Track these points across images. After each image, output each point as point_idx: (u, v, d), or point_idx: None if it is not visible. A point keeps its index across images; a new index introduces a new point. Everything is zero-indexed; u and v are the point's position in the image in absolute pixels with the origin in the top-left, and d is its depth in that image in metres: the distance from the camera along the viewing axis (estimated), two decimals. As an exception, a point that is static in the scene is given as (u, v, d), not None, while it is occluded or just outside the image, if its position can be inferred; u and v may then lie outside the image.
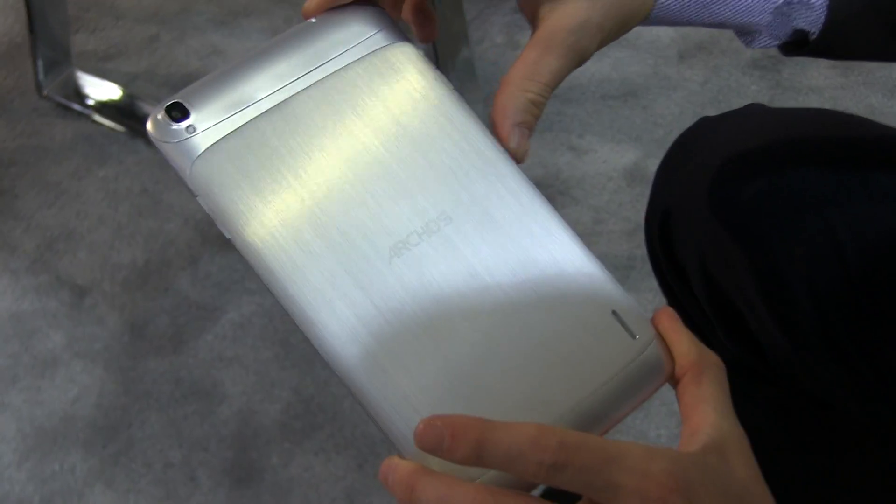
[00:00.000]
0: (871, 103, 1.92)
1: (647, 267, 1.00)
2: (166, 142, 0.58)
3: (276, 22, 2.22)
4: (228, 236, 0.57)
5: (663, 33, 2.09)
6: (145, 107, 2.03)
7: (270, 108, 0.59)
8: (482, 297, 0.56)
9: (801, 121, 0.90)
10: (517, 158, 0.61)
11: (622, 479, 0.48)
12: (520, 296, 0.56)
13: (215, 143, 0.57)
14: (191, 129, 0.58)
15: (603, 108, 1.96)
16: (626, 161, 1.86)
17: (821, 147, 0.86)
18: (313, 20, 0.63)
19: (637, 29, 0.69)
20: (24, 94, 2.10)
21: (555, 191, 1.81)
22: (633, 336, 0.57)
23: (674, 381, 0.57)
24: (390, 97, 0.60)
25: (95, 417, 1.55)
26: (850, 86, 1.96)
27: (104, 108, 2.04)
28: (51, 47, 2.07)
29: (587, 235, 1.69)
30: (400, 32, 0.63)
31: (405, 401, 0.54)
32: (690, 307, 0.95)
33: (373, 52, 0.61)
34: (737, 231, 0.85)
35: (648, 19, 0.68)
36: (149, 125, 0.58)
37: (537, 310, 0.56)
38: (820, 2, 0.69)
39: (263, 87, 0.59)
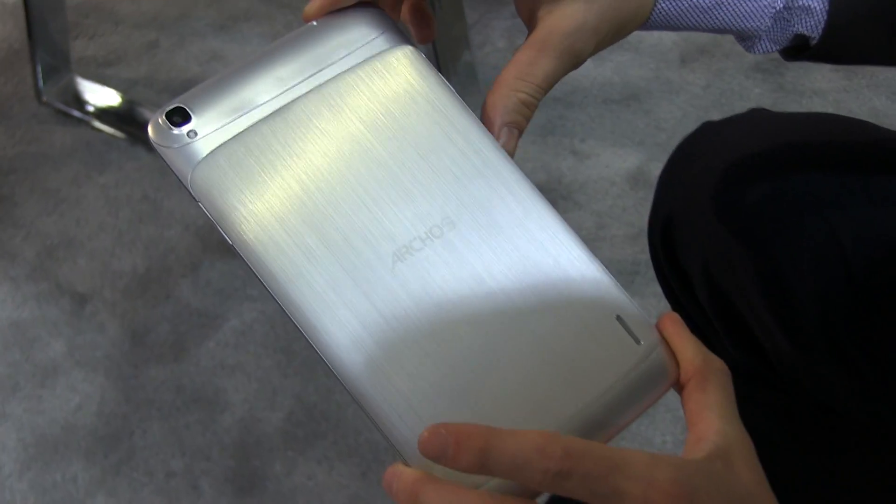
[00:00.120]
0: (874, 106, 1.92)
1: (652, 272, 1.01)
2: (167, 147, 0.58)
3: (277, 27, 2.22)
4: (230, 242, 0.56)
5: (665, 37, 2.10)
6: (145, 113, 2.03)
7: (272, 113, 0.58)
8: (485, 302, 0.56)
9: (804, 125, 0.90)
10: None
11: (627, 487, 0.48)
12: (523, 301, 0.56)
13: (217, 148, 0.57)
14: (192, 134, 0.58)
15: (605, 112, 1.96)
16: (628, 165, 1.86)
17: (823, 151, 0.86)
18: (314, 23, 0.62)
19: (638, 32, 0.69)
20: (24, 100, 2.10)
21: (557, 195, 1.81)
22: (638, 341, 0.57)
23: (678, 386, 0.57)
24: (393, 101, 0.60)
25: (97, 426, 1.55)
26: (853, 89, 1.96)
27: (104, 114, 2.04)
28: (50, 53, 2.07)
29: (590, 240, 1.69)
30: (402, 35, 0.63)
31: (409, 407, 0.53)
32: (694, 312, 0.95)
33: (375, 55, 0.61)
34: (741, 235, 0.85)
35: (647, 25, 0.68)
36: (149, 130, 0.58)
37: (541, 315, 0.56)
38: (820, 6, 0.69)
39: (265, 92, 0.59)
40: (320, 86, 0.60)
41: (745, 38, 0.72)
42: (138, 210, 1.86)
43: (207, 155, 0.57)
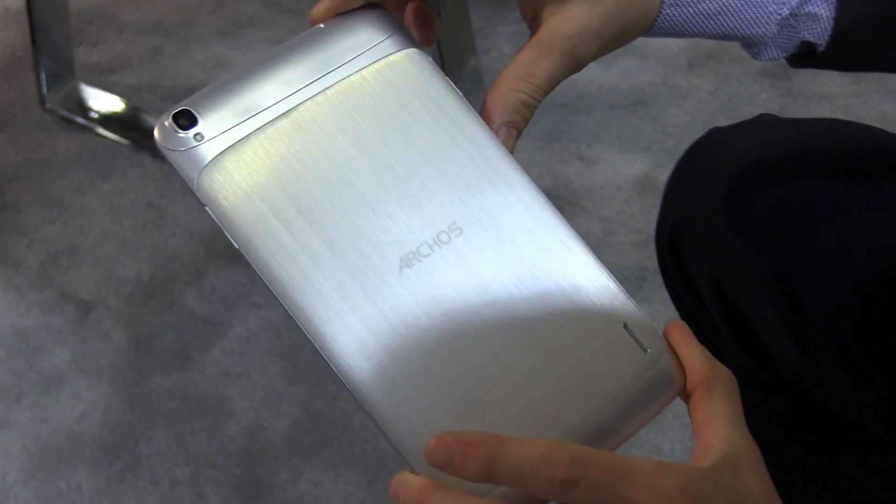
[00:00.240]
0: (883, 111, 1.92)
1: (659, 278, 1.00)
2: (173, 150, 0.57)
3: (281, 32, 2.22)
4: (237, 247, 0.56)
5: (672, 41, 2.10)
6: (149, 119, 2.03)
7: (279, 116, 0.58)
8: (493, 309, 0.56)
9: (813, 131, 0.90)
10: None
11: (635, 495, 0.48)
12: (530, 308, 0.56)
13: (223, 151, 0.57)
14: (199, 137, 0.57)
15: (612, 118, 1.97)
16: (635, 171, 1.86)
17: (832, 157, 0.86)
18: (322, 26, 0.62)
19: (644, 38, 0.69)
20: (27, 107, 2.10)
21: (564, 201, 1.81)
22: (645, 350, 0.57)
23: (685, 395, 0.57)
24: (400, 105, 0.59)
25: (101, 434, 1.55)
26: (862, 93, 1.96)
27: (108, 121, 2.04)
28: (54, 60, 2.07)
29: (597, 247, 1.69)
30: (409, 38, 0.63)
31: (416, 415, 0.53)
32: (701, 318, 0.95)
33: (382, 58, 0.61)
34: (750, 241, 0.85)
35: (652, 31, 0.68)
36: (156, 132, 0.58)
37: (548, 323, 0.56)
38: (826, 13, 0.69)
39: (272, 94, 0.59)
40: (328, 89, 0.59)
41: (751, 45, 0.72)
42: (143, 217, 1.86)
43: (214, 158, 0.57)
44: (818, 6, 0.68)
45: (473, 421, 0.53)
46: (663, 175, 1.03)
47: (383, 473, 1.47)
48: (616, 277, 0.58)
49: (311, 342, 0.55)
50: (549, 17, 0.64)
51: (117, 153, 1.98)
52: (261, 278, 0.55)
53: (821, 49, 0.70)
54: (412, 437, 0.53)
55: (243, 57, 2.17)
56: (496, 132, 0.61)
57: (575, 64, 0.65)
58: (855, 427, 0.90)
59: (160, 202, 1.88)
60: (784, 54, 0.72)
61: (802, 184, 0.84)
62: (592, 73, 2.03)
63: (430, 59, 0.61)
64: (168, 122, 0.57)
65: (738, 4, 0.68)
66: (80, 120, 2.04)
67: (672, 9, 0.67)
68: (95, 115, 2.05)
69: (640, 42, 0.71)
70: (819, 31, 0.69)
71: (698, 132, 0.95)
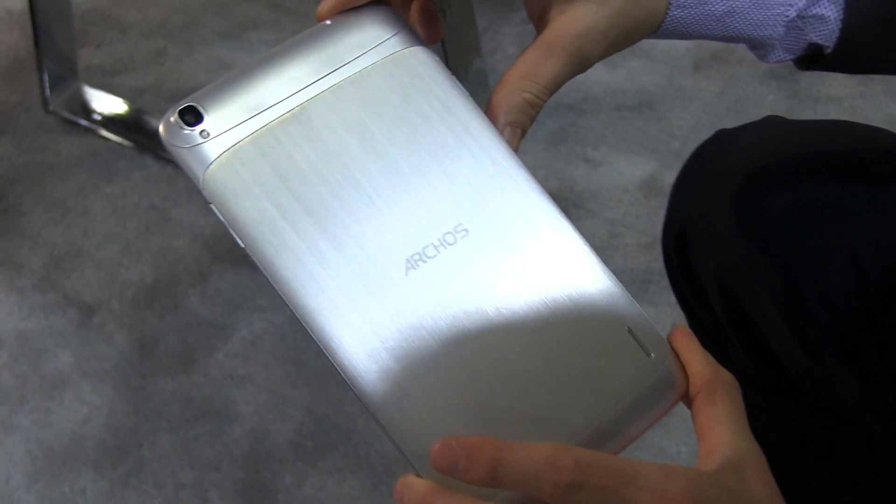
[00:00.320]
0: (891, 112, 1.93)
1: (665, 281, 1.00)
2: (179, 146, 0.57)
3: (285, 34, 2.22)
4: (242, 245, 0.56)
5: (678, 43, 2.10)
6: (152, 121, 2.04)
7: (285, 114, 0.58)
8: (497, 312, 0.56)
9: (820, 133, 0.90)
10: None
11: (639, 499, 0.48)
12: (535, 312, 0.56)
13: (229, 148, 0.57)
14: (204, 134, 0.57)
15: (618, 120, 1.97)
16: (641, 173, 1.86)
17: (839, 160, 0.86)
18: (328, 22, 0.62)
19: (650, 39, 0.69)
20: (30, 109, 2.10)
21: (570, 203, 1.81)
22: (649, 354, 0.57)
23: (687, 399, 0.57)
24: (407, 104, 0.59)
25: (105, 438, 1.54)
26: (869, 95, 1.96)
27: (111, 122, 2.04)
28: (56, 62, 2.07)
29: (603, 249, 1.69)
30: (415, 35, 0.62)
31: (421, 417, 0.53)
32: (708, 322, 0.95)
33: (389, 56, 0.60)
34: (758, 244, 0.85)
35: (659, 33, 0.68)
36: (161, 129, 0.57)
37: (552, 326, 0.56)
38: (834, 15, 0.68)
39: (278, 92, 0.59)
40: (335, 87, 0.59)
41: (758, 47, 0.71)
42: (146, 220, 1.86)
43: (220, 156, 0.56)
44: (826, 8, 0.68)
45: (477, 423, 0.53)
46: (669, 177, 1.03)
47: (388, 477, 1.47)
48: (622, 280, 0.58)
49: (316, 343, 0.54)
50: (556, 16, 0.64)
51: (120, 155, 1.98)
52: (266, 278, 0.55)
53: (828, 51, 0.70)
54: (417, 439, 0.53)
55: (247, 59, 2.17)
56: (501, 131, 0.61)
57: (581, 64, 0.65)
58: (857, 429, 0.90)
59: (164, 204, 1.88)
60: (791, 56, 0.72)
61: (808, 186, 0.84)
62: (598, 75, 2.03)
63: (437, 57, 0.61)
64: (174, 118, 0.57)
65: (746, 6, 0.67)
66: (83, 122, 2.04)
67: (679, 10, 0.67)
68: (98, 118, 2.05)
69: (646, 43, 0.71)
70: (827, 32, 0.69)
71: (704, 134, 0.95)
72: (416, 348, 0.54)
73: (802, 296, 0.82)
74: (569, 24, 0.63)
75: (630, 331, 0.57)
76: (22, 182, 1.95)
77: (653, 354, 0.57)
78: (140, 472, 1.50)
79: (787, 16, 0.68)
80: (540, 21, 0.65)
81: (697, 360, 0.57)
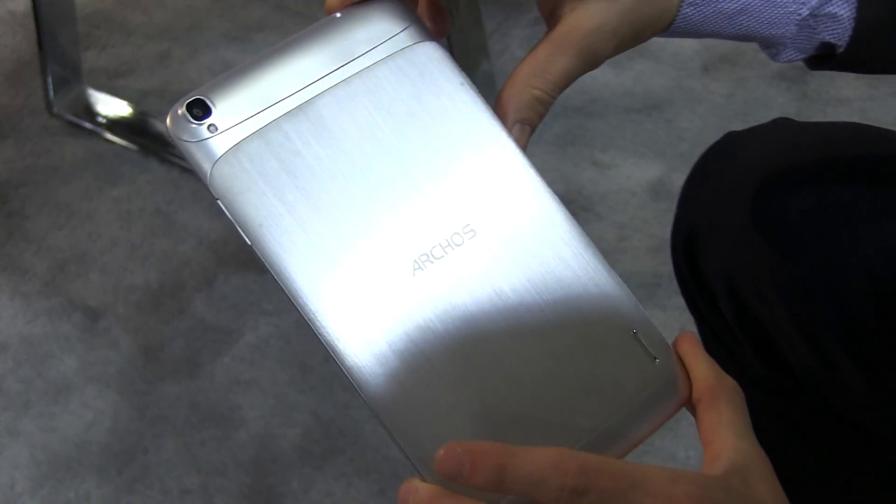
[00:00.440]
0: (900, 114, 1.93)
1: (674, 284, 1.00)
2: (186, 141, 0.56)
3: (290, 37, 2.21)
4: (248, 242, 0.55)
5: (686, 45, 2.10)
6: (157, 124, 2.04)
7: (294, 109, 0.57)
8: (504, 316, 0.56)
9: (830, 135, 0.90)
10: None
11: (644, 503, 0.49)
12: (541, 315, 0.56)
13: (237, 143, 0.56)
14: (212, 129, 0.56)
15: (626, 122, 1.97)
16: (650, 176, 1.86)
17: (849, 163, 0.86)
18: (338, 15, 0.61)
19: (659, 40, 0.70)
20: (34, 112, 2.10)
21: (578, 206, 1.81)
22: (654, 359, 0.57)
23: (690, 405, 0.58)
24: (417, 101, 0.59)
25: (110, 443, 1.54)
26: (878, 97, 1.96)
27: (115, 125, 2.04)
28: (61, 65, 2.07)
29: (611, 252, 1.70)
30: (426, 30, 0.62)
31: (426, 421, 0.53)
32: (717, 324, 0.95)
33: (399, 50, 0.60)
34: (769, 247, 0.85)
35: (670, 31, 0.68)
36: (168, 121, 0.57)
37: (558, 330, 0.56)
38: (847, 14, 0.68)
39: (287, 86, 0.58)
40: (345, 81, 0.58)
41: (770, 46, 0.71)
42: (151, 224, 1.86)
43: (228, 151, 0.56)
44: (839, 6, 0.67)
45: (482, 427, 0.54)
46: (678, 180, 1.03)
47: (395, 482, 1.47)
48: (630, 283, 0.58)
49: (322, 346, 0.54)
50: (567, 13, 0.64)
51: (125, 159, 1.98)
52: (272, 276, 0.55)
53: (840, 50, 0.70)
54: (422, 443, 0.53)
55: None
56: (510, 128, 0.61)
57: (591, 61, 0.64)
58: (864, 432, 0.89)
59: (169, 208, 1.88)
60: (803, 55, 0.71)
61: (818, 189, 0.84)
62: (606, 77, 2.03)
63: (447, 52, 0.61)
64: (181, 111, 0.56)
65: (758, 4, 0.67)
66: (88, 125, 2.04)
67: (691, 7, 0.66)
68: (103, 120, 2.05)
69: (654, 45, 0.70)
70: (839, 31, 0.68)
71: (713, 137, 0.95)
72: (422, 351, 0.54)
73: (813, 298, 0.82)
74: (580, 20, 0.63)
75: (635, 335, 0.57)
76: (26, 185, 1.95)
77: (658, 359, 0.57)
78: (145, 477, 1.50)
79: (800, 14, 0.67)
80: (551, 17, 0.65)
81: (701, 366, 0.57)
